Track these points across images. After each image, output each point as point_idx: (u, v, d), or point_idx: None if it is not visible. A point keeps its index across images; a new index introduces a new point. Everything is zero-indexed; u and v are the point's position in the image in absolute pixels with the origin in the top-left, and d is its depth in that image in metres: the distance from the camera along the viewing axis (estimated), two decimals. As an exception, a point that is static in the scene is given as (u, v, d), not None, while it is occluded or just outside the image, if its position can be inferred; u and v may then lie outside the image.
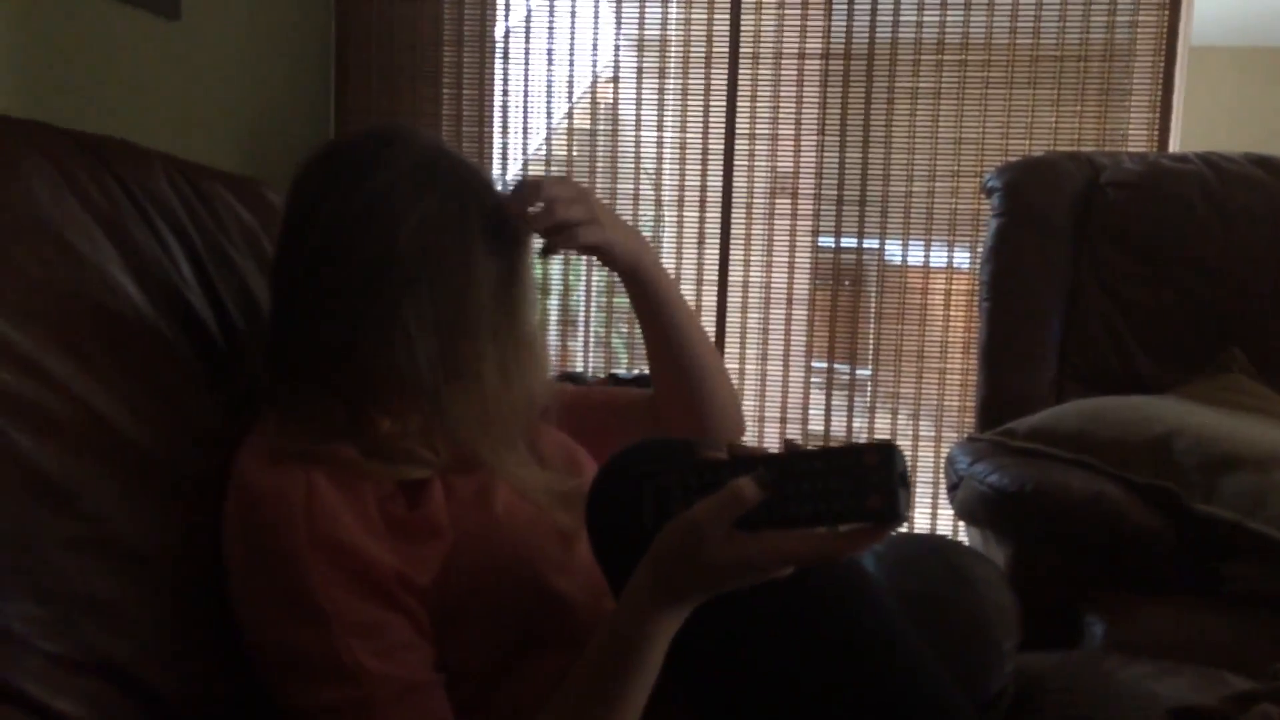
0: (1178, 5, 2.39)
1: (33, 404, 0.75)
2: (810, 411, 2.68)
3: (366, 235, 0.79)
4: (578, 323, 2.82)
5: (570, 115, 2.81)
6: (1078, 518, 1.40)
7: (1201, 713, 0.83)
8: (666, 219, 2.72)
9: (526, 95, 2.76)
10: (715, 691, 0.79)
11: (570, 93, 2.76)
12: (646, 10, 2.65)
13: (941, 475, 1.90)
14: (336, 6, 2.70)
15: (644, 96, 2.71)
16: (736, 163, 2.64)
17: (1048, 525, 1.43)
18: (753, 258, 2.67)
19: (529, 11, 2.74)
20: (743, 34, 2.61)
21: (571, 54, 2.73)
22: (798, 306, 2.67)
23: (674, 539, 0.66)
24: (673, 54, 2.65)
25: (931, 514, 2.62)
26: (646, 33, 2.67)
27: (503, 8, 2.74)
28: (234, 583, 0.79)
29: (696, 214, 2.68)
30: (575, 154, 2.82)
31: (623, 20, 2.70)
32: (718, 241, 2.67)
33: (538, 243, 0.89)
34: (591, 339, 2.83)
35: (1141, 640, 1.22)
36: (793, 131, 2.62)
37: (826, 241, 2.65)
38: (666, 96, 2.66)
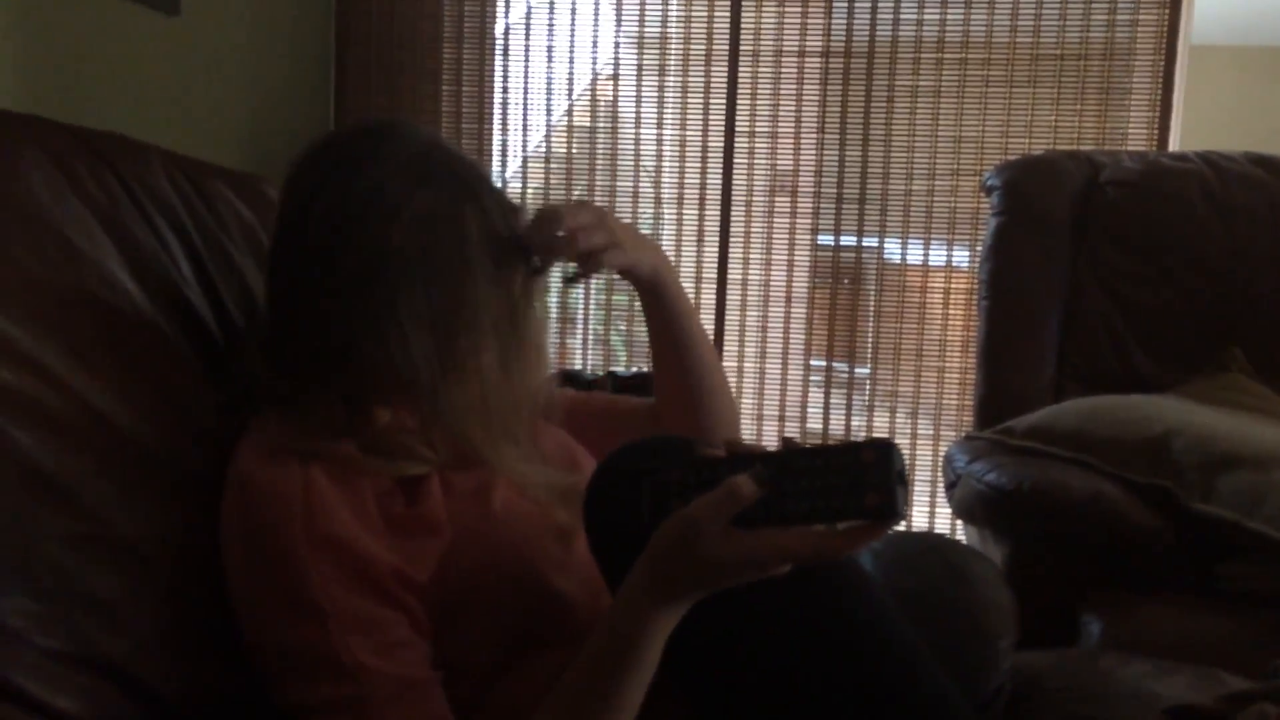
0: (1178, 4, 2.39)
1: (31, 401, 0.75)
2: (809, 409, 2.68)
3: (361, 230, 0.78)
4: (576, 320, 2.81)
5: (570, 112, 2.80)
6: (1076, 516, 1.40)
7: (1198, 712, 0.83)
8: (666, 216, 2.72)
9: (526, 92, 2.76)
10: (712, 689, 0.79)
11: (570, 90, 2.76)
12: (646, 7, 2.65)
13: (939, 473, 1.90)
14: (336, 3, 2.70)
15: (644, 94, 2.71)
16: (736, 160, 2.64)
17: (1045, 524, 1.43)
18: (752, 255, 2.67)
19: (529, 8, 2.74)
20: (743, 31, 2.61)
21: (571, 51, 2.73)
22: (797, 304, 2.67)
23: (671, 536, 0.66)
24: (673, 51, 2.65)
25: (929, 512, 2.62)
26: (646, 30, 2.67)
27: (503, 5, 2.74)
28: (232, 580, 0.79)
29: (696, 211, 2.68)
30: (575, 151, 2.82)
31: (623, 17, 2.70)
32: (717, 239, 2.67)
33: (557, 269, 0.89)
34: (590, 336, 2.83)
35: (1139, 639, 1.22)
36: (792, 129, 2.62)
37: (826, 239, 2.65)
38: (666, 94, 2.66)
